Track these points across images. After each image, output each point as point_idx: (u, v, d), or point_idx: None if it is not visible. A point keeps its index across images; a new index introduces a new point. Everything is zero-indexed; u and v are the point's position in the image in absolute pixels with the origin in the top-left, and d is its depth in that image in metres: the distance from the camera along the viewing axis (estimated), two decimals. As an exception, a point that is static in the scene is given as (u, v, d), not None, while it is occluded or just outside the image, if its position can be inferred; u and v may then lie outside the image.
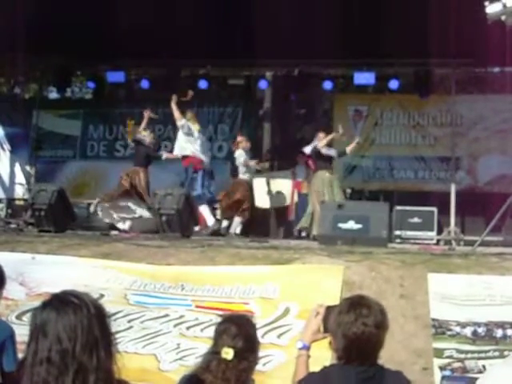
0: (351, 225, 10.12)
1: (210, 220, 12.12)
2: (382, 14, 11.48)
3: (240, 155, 13.36)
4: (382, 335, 3.06)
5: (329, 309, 3.21)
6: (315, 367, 3.19)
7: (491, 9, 8.49)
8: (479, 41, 11.19)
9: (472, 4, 9.02)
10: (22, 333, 2.33)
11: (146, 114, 13.23)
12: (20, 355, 3.70)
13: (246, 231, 13.52)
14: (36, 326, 2.16)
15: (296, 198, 14.43)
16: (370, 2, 11.32)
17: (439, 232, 13.48)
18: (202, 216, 12.42)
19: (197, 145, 12.33)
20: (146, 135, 13.20)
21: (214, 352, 3.29)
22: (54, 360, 2.10)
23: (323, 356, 3.58)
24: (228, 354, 3.22)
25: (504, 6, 8.44)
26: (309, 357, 3.28)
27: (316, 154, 12.58)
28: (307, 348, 3.28)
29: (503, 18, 8.57)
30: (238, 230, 13.52)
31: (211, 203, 12.72)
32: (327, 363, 3.23)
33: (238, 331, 3.30)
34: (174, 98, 12.75)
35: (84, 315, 2.15)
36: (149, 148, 13.22)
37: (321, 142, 12.58)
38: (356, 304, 3.09)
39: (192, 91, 13.35)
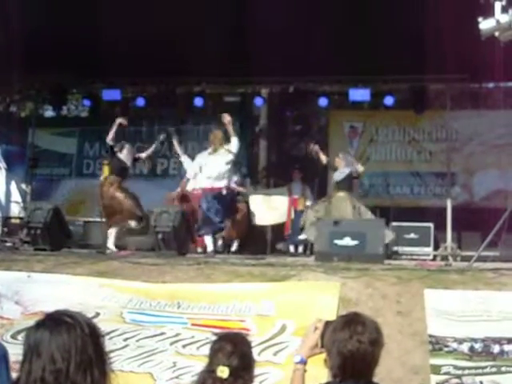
0: (347, 241, 10.12)
1: (209, 247, 11.80)
2: (376, 31, 11.51)
3: None
4: (377, 352, 3.05)
5: (327, 324, 3.20)
6: (311, 385, 3.18)
7: (485, 25, 8.50)
8: (474, 56, 11.26)
9: (466, 20, 9.04)
10: (17, 352, 2.32)
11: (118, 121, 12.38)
12: (14, 375, 3.68)
13: (243, 248, 13.53)
14: (29, 345, 2.15)
15: (292, 215, 14.42)
16: (365, 18, 11.35)
17: (436, 248, 13.49)
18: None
19: (205, 172, 11.62)
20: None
21: (209, 370, 3.28)
22: (47, 380, 2.09)
23: (319, 373, 3.56)
24: (223, 372, 3.20)
25: (497, 22, 8.45)
26: (305, 371, 3.26)
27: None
28: (304, 362, 3.26)
29: (497, 34, 8.58)
30: (233, 248, 13.53)
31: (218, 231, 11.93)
32: (323, 381, 3.22)
33: (233, 349, 3.28)
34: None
35: (78, 335, 2.14)
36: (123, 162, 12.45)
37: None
38: (351, 321, 3.08)
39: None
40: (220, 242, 13.34)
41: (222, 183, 11.47)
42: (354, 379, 2.99)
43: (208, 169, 11.54)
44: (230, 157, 11.54)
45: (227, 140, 11.57)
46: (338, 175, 12.73)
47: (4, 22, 11.36)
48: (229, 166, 11.59)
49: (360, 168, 12.83)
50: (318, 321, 3.27)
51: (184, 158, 13.50)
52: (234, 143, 11.49)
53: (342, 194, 12.47)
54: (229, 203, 11.77)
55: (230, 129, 11.49)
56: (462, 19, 9.46)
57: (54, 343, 2.11)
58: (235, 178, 12.51)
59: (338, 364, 3.01)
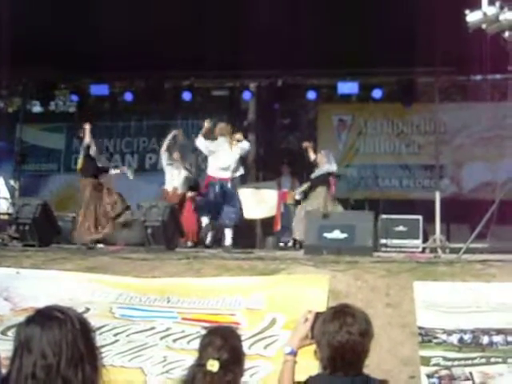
0: (337, 234, 10.13)
1: (227, 240, 11.55)
2: (364, 24, 11.53)
3: None
4: (366, 343, 3.06)
5: (317, 315, 3.21)
6: (301, 376, 3.19)
7: (471, 17, 8.53)
8: (461, 49, 11.28)
9: (453, 12, 9.06)
10: (7, 348, 2.31)
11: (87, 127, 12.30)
12: (4, 370, 3.68)
13: (233, 242, 13.54)
14: (20, 341, 2.14)
15: (282, 209, 14.43)
16: (353, 11, 11.36)
17: (425, 240, 13.52)
18: (190, 228, 12.49)
19: (214, 160, 11.58)
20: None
21: (200, 364, 3.28)
22: (38, 376, 2.08)
23: (310, 365, 3.58)
24: (213, 366, 3.20)
25: (484, 14, 8.48)
26: (295, 362, 3.27)
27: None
28: (294, 353, 3.27)
29: (484, 26, 8.61)
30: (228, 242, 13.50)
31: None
32: (313, 373, 3.23)
33: (223, 343, 3.29)
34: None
35: (69, 330, 2.13)
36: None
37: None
38: (340, 313, 3.09)
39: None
40: (209, 237, 13.37)
41: (228, 174, 11.46)
42: (344, 370, 3.00)
43: (219, 159, 11.49)
44: (240, 152, 11.60)
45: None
46: (316, 172, 12.83)
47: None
48: (237, 160, 11.60)
49: (333, 167, 12.90)
50: (308, 312, 3.28)
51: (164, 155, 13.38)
52: (247, 143, 11.82)
53: (317, 190, 12.60)
54: (235, 195, 11.72)
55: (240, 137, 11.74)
56: (449, 12, 9.47)
57: (44, 338, 2.10)
58: (240, 173, 12.41)
59: (328, 355, 3.02)
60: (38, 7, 11.41)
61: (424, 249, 13.28)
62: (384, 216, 13.43)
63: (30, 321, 2.17)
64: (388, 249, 12.80)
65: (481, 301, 7.61)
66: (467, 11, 8.64)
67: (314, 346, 3.16)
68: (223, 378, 3.22)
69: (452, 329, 7.25)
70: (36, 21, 11.79)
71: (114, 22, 11.48)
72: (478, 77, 15.67)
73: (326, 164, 12.77)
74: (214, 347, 3.28)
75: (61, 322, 2.13)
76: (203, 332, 3.50)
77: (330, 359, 3.02)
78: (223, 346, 3.28)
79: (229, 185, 11.46)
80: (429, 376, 6.84)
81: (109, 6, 11.05)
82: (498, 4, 8.52)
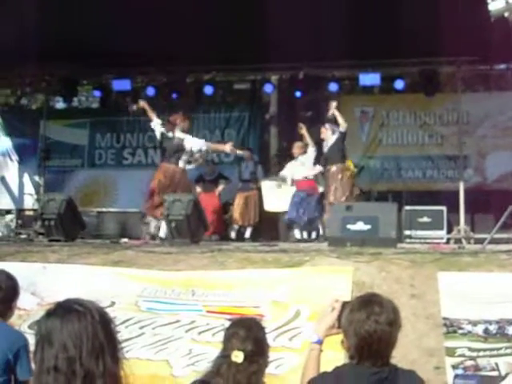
0: (360, 226, 10.10)
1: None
2: (385, 14, 11.47)
3: None
4: (394, 333, 3.04)
5: (345, 304, 3.19)
6: (328, 367, 3.18)
7: (494, 6, 8.48)
8: (484, 38, 11.18)
9: (476, 1, 9.00)
10: (34, 342, 2.34)
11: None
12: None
13: (256, 235, 13.59)
14: (41, 334, 2.16)
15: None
16: (374, 2, 11.30)
17: (449, 231, 13.45)
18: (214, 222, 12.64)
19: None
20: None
21: (224, 356, 3.30)
22: (60, 368, 2.09)
23: (336, 357, 3.58)
24: (238, 357, 3.22)
25: (507, 2, 8.43)
26: (321, 351, 3.27)
27: None
28: (321, 342, 3.27)
29: (506, 14, 8.56)
30: (247, 235, 13.57)
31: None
32: (340, 363, 3.23)
33: (247, 334, 3.30)
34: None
35: (88, 322, 2.14)
36: None
37: None
38: (368, 302, 3.08)
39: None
40: (233, 231, 13.48)
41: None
42: (371, 360, 2.98)
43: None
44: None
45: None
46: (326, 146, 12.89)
47: (14, 16, 11.39)
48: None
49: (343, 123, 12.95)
50: (335, 301, 3.27)
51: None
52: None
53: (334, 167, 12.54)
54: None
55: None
56: (471, 0, 9.40)
57: (65, 331, 2.12)
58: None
59: (355, 345, 3.01)
60: (60, 5, 11.47)
61: (448, 239, 13.21)
62: (408, 207, 13.38)
63: (50, 314, 2.18)
64: (412, 240, 12.76)
65: (506, 291, 7.56)
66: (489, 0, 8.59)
67: (340, 336, 3.15)
68: (248, 368, 3.24)
69: (477, 319, 7.21)
70: (57, 17, 11.84)
71: (135, 17, 11.51)
72: (501, 66, 15.54)
73: (332, 136, 12.87)
74: (238, 338, 3.30)
75: (80, 314, 2.15)
76: (227, 324, 3.51)
77: (357, 348, 3.01)
78: (247, 337, 3.30)
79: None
80: (454, 367, 6.82)
81: (129, 2, 11.08)
82: (520, -8, 8.46)
